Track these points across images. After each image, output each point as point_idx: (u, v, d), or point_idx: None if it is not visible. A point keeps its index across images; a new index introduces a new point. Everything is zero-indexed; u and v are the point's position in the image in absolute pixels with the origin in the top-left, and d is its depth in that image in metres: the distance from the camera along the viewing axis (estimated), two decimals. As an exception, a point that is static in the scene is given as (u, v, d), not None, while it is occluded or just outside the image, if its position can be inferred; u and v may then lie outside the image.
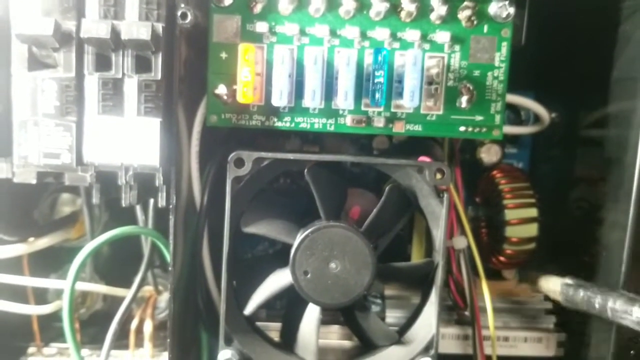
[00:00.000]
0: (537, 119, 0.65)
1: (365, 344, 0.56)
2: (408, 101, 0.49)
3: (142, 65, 0.48)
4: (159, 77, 0.48)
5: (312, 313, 0.54)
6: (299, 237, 0.52)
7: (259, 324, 0.59)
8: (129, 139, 0.49)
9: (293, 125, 0.53)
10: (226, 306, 0.52)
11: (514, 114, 0.67)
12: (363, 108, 0.52)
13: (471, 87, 0.52)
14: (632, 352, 0.53)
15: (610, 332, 0.54)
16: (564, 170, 0.66)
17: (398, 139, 0.64)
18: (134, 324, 0.61)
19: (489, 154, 0.64)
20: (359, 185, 0.61)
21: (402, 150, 0.63)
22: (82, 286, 0.60)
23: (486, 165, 0.65)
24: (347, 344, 0.59)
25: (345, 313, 0.56)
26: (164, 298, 0.66)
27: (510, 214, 0.62)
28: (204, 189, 0.55)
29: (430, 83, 0.52)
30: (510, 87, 0.59)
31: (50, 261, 0.65)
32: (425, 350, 0.53)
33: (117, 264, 0.68)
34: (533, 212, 0.62)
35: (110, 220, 0.64)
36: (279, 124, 0.53)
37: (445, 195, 0.52)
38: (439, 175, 0.52)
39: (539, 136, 0.70)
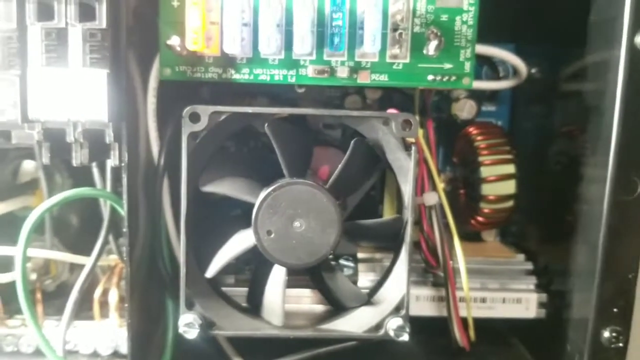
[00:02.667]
0: (515, 74, 0.63)
1: (334, 306, 0.54)
2: (370, 46, 0.46)
3: (86, 13, 0.46)
4: (104, 25, 0.45)
5: (277, 275, 0.52)
6: (261, 196, 0.50)
7: (227, 289, 0.57)
8: (76, 92, 0.46)
9: (252, 77, 0.50)
10: (186, 269, 0.50)
11: (492, 69, 0.65)
12: (325, 58, 0.50)
13: (439, 33, 0.49)
14: (614, 309, 0.51)
15: (591, 292, 0.52)
16: (544, 126, 0.64)
17: (372, 98, 0.61)
18: (97, 293, 0.59)
19: (464, 110, 0.61)
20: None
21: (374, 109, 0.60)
22: (37, 253, 0.57)
23: (462, 122, 0.62)
24: (319, 308, 0.57)
25: (313, 274, 0.54)
26: (132, 268, 0.64)
27: (486, 171, 0.59)
28: (161, 147, 0.52)
29: (395, 29, 0.49)
30: (489, 40, 0.57)
31: (13, 232, 0.62)
32: (396, 310, 0.51)
33: (84, 234, 0.65)
34: (510, 168, 0.59)
35: (74, 187, 0.62)
36: (236, 76, 0.50)
37: (414, 148, 0.49)
38: (406, 127, 0.49)
39: (519, 93, 0.67)
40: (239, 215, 0.53)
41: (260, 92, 0.61)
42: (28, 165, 0.65)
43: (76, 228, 0.66)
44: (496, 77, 0.64)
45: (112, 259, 0.62)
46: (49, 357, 0.52)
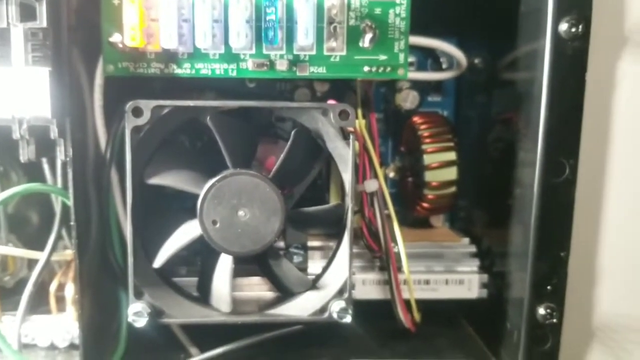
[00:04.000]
0: (457, 65, 0.65)
1: (282, 291, 0.56)
2: (303, 39, 0.48)
3: (27, 13, 0.47)
4: (45, 24, 0.47)
5: (224, 263, 0.53)
6: (206, 187, 0.51)
7: (179, 280, 0.58)
8: (19, 90, 0.48)
9: (194, 72, 0.51)
10: (134, 260, 0.52)
11: (434, 61, 0.67)
12: (265, 51, 0.51)
13: (373, 26, 0.51)
14: (548, 287, 0.53)
15: (526, 272, 0.54)
16: (485, 115, 0.66)
17: (321, 90, 0.62)
18: (53, 287, 0.60)
19: (407, 100, 0.63)
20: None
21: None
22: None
23: (406, 112, 0.64)
24: (268, 295, 0.59)
25: (260, 262, 0.55)
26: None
27: (429, 159, 0.61)
28: (108, 141, 0.53)
29: (331, 23, 0.51)
30: (434, 33, 0.59)
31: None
32: (339, 293, 0.53)
33: (42, 231, 0.66)
34: (452, 155, 0.62)
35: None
36: (178, 71, 0.51)
37: (352, 136, 0.51)
38: (344, 117, 0.51)
39: (463, 83, 0.69)
40: (185, 207, 0.55)
41: (210, 87, 0.62)
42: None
43: (34, 225, 0.67)
44: (439, 68, 0.66)
45: (68, 253, 0.63)
46: (4, 351, 0.53)
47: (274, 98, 0.64)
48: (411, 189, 0.66)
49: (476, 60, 0.66)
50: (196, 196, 0.52)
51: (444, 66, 0.66)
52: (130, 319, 0.51)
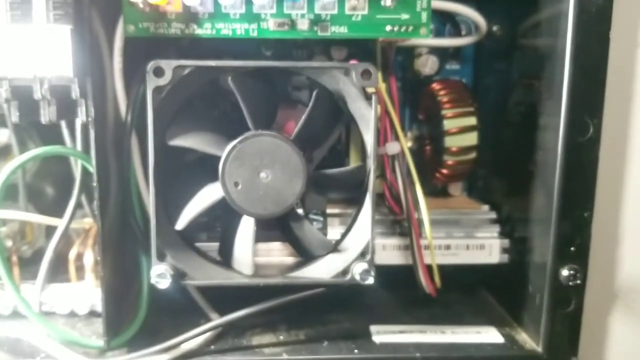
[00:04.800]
0: (476, 31, 0.64)
1: (303, 255, 0.56)
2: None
3: (48, -29, 0.47)
4: (66, -19, 0.46)
5: (246, 225, 0.53)
6: (227, 148, 0.51)
7: (200, 245, 0.58)
8: (41, 49, 0.47)
9: (214, 32, 0.51)
10: (157, 222, 0.51)
11: (454, 27, 0.66)
12: (286, 11, 0.51)
13: (396, -16, 0.51)
14: (572, 248, 0.53)
15: (549, 234, 0.54)
16: (504, 80, 0.65)
17: (338, 57, 0.62)
18: (72, 254, 0.60)
19: (426, 66, 0.63)
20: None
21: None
22: (11, 214, 0.58)
23: (424, 77, 0.64)
24: (289, 260, 0.59)
25: (281, 225, 0.55)
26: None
27: (449, 124, 0.61)
28: (129, 103, 0.53)
29: (353, -20, 0.50)
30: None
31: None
32: (361, 255, 0.53)
33: (60, 200, 0.66)
34: (472, 120, 0.61)
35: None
36: (199, 31, 0.51)
37: (374, 97, 0.51)
38: (366, 77, 0.51)
39: (481, 50, 0.69)
40: (206, 169, 0.54)
41: (227, 53, 0.62)
42: (3, 134, 0.65)
43: (51, 194, 0.67)
44: (458, 34, 0.66)
45: (87, 222, 0.63)
46: (27, 314, 0.53)
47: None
48: (429, 157, 0.66)
49: (494, 27, 0.66)
50: (217, 158, 0.52)
51: (463, 32, 0.66)
52: (153, 281, 0.51)
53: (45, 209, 0.64)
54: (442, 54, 0.66)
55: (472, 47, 0.68)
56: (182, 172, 0.55)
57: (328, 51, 0.62)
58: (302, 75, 0.60)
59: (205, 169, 0.56)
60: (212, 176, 0.53)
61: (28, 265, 0.64)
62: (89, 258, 0.61)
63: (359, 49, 0.60)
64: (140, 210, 0.56)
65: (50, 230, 0.66)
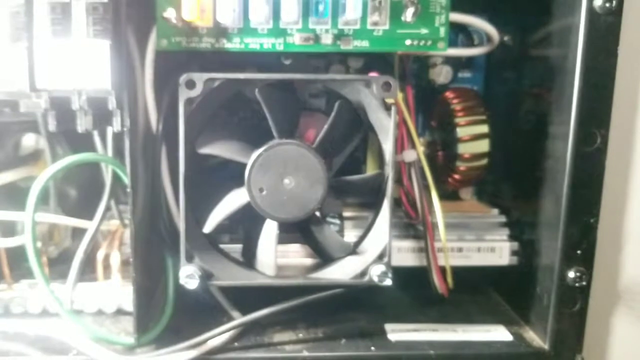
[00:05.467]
0: (488, 41, 0.67)
1: (322, 257, 0.58)
2: (352, 12, 0.50)
3: (88, -12, 0.49)
4: (105, -1, 0.49)
5: (269, 229, 0.56)
6: (253, 156, 0.54)
7: (222, 247, 0.60)
8: (80, 62, 0.50)
9: (243, 46, 0.54)
10: (185, 224, 0.54)
11: (466, 37, 0.69)
12: (311, 26, 0.54)
13: (415, 0, 0.53)
14: (578, 252, 0.56)
15: (557, 238, 0.56)
16: (515, 90, 0.68)
17: (355, 66, 0.65)
18: (100, 254, 0.63)
19: (440, 75, 0.66)
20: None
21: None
22: (44, 217, 0.61)
23: (439, 86, 0.67)
24: (307, 261, 0.61)
25: (302, 228, 0.58)
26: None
27: (461, 131, 0.64)
28: (159, 114, 0.56)
29: (375, -2, 0.53)
30: (464, 9, 0.61)
31: (14, 200, 0.65)
32: (379, 258, 0.55)
33: (82, 202, 0.69)
34: (484, 128, 0.64)
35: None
36: (228, 45, 0.54)
37: (393, 107, 0.53)
38: (386, 89, 0.53)
39: (492, 59, 0.72)
40: (232, 175, 0.57)
41: (248, 63, 0.64)
42: (28, 139, 0.68)
43: (74, 197, 0.70)
44: (470, 44, 0.68)
45: (113, 224, 0.65)
46: (60, 312, 0.55)
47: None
48: (442, 162, 0.68)
49: (505, 38, 0.68)
50: (242, 165, 0.55)
51: (475, 42, 0.68)
52: (182, 281, 0.54)
53: (69, 209, 0.67)
54: (455, 63, 0.68)
55: (484, 56, 0.71)
56: (208, 178, 0.58)
57: (345, 61, 0.65)
58: (319, 83, 0.63)
59: (226, 173, 0.59)
60: (233, 180, 0.56)
61: (54, 265, 0.66)
62: (116, 258, 0.63)
63: (375, 58, 0.63)
64: (165, 214, 0.58)
65: (75, 231, 0.69)
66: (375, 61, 0.63)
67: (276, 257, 0.56)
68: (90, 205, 0.64)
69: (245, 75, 0.53)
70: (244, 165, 0.54)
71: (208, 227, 0.55)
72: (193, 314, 0.61)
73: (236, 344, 0.58)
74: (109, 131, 0.59)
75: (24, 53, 0.50)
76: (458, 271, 0.64)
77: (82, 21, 0.49)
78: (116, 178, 0.59)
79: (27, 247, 0.53)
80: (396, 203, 0.62)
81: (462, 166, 0.64)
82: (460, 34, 0.69)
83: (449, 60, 0.67)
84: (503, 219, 0.66)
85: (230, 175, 0.59)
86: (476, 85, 0.72)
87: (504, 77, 0.71)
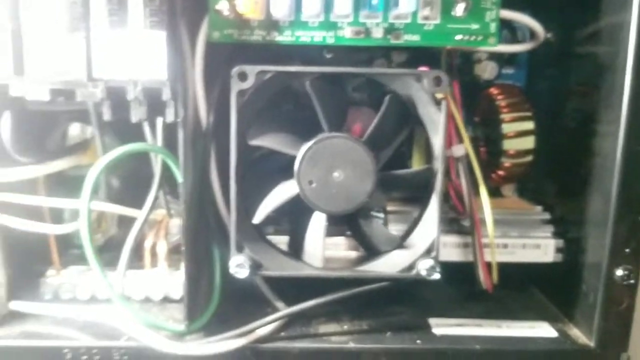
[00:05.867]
0: (532, 38, 0.67)
1: (368, 250, 0.59)
2: (405, 5, 0.51)
3: (145, -19, 0.50)
4: (162, -9, 0.50)
5: (317, 221, 0.56)
6: (303, 148, 0.54)
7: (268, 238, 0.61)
8: (136, 53, 0.51)
9: (294, 38, 0.54)
10: (236, 215, 0.55)
11: (511, 33, 0.68)
12: (361, 20, 0.54)
13: (467, -4, 0.54)
14: (627, 250, 0.56)
15: (605, 236, 0.56)
16: (559, 87, 0.68)
17: (398, 60, 0.65)
18: (148, 243, 0.64)
19: (485, 71, 0.66)
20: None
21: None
22: (97, 206, 0.62)
23: (484, 82, 0.67)
24: (352, 254, 0.62)
25: (350, 221, 0.58)
26: (175, 224, 0.68)
27: (507, 128, 0.64)
28: (210, 105, 0.56)
29: (427, -8, 0.53)
30: (506, 5, 0.61)
31: (62, 189, 0.67)
32: (427, 252, 0.56)
33: (126, 192, 0.70)
34: (529, 125, 0.64)
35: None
36: (279, 38, 0.54)
37: (443, 102, 0.53)
38: (437, 84, 0.54)
39: (535, 56, 0.71)
40: (276, 167, 0.58)
41: (292, 57, 0.65)
42: (75, 129, 0.69)
43: (117, 186, 0.71)
44: (515, 40, 0.68)
45: (160, 213, 0.66)
46: (114, 299, 0.56)
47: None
48: (484, 158, 0.68)
49: (549, 34, 0.68)
50: (291, 157, 0.55)
51: (519, 39, 0.68)
52: (232, 271, 0.55)
53: (112, 199, 0.68)
54: (499, 59, 0.68)
55: (526, 52, 0.70)
56: (256, 170, 0.58)
57: (388, 54, 0.65)
58: (362, 77, 0.63)
59: (268, 165, 0.60)
60: (278, 172, 0.56)
61: (100, 253, 0.67)
62: (162, 247, 0.64)
63: (419, 52, 0.63)
64: (212, 205, 0.59)
65: (122, 219, 0.70)
66: (419, 55, 0.63)
67: (324, 249, 0.56)
68: (131, 194, 0.65)
69: (296, 68, 0.54)
70: (289, 157, 0.55)
71: (258, 218, 0.56)
72: (237, 303, 0.62)
73: (283, 333, 0.58)
74: (159, 122, 0.59)
75: (81, 43, 0.51)
76: (500, 267, 0.64)
77: (139, 12, 0.50)
78: (165, 168, 0.60)
79: (82, 235, 0.54)
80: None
81: (506, 162, 0.64)
82: (504, 29, 0.69)
83: (493, 56, 0.67)
84: (547, 216, 0.66)
85: (273, 167, 0.59)
86: (518, 81, 0.72)
87: (547, 74, 0.71)
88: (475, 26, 0.54)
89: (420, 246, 0.56)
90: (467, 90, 0.70)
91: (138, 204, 0.62)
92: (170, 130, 0.56)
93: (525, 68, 0.72)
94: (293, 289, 0.59)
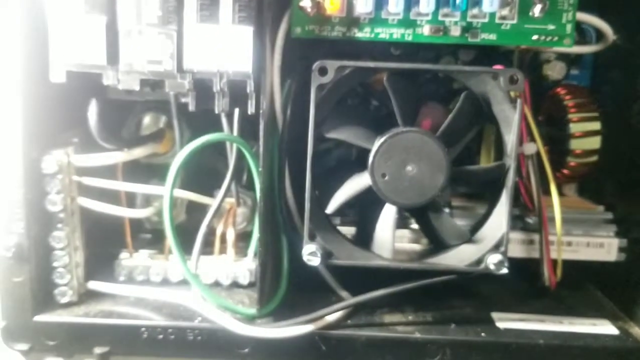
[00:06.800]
0: (599, 39, 0.67)
1: (437, 244, 0.60)
2: (488, 5, 0.52)
3: (234, -22, 0.52)
4: (251, -13, 0.52)
5: (388, 213, 0.58)
6: (378, 142, 0.56)
7: (335, 228, 0.63)
8: (224, 46, 0.53)
9: (373, 35, 0.56)
10: (310, 204, 0.57)
11: (579, 34, 0.69)
12: (440, 18, 0.55)
13: (544, -3, 0.55)
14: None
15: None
16: (623, 89, 0.68)
17: (465, 59, 0.66)
18: (219, 230, 0.66)
19: (554, 71, 0.66)
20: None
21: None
22: (180, 193, 0.64)
23: (552, 82, 0.67)
24: (416, 246, 0.63)
25: (419, 214, 0.60)
26: (241, 212, 0.70)
27: (574, 127, 0.65)
28: (287, 99, 0.59)
29: (506, -8, 0.54)
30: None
31: (138, 176, 0.69)
32: (496, 247, 0.57)
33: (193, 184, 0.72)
34: (596, 125, 0.65)
35: (192, 137, 0.68)
36: (359, 35, 0.56)
37: (519, 100, 0.55)
38: (512, 82, 0.55)
39: (601, 58, 0.72)
40: (352, 159, 0.59)
41: (361, 53, 0.66)
42: (149, 119, 0.71)
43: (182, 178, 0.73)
44: (583, 41, 0.69)
45: (228, 201, 0.68)
46: (191, 281, 0.59)
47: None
48: (548, 157, 0.69)
49: (615, 37, 0.68)
50: (364, 150, 0.57)
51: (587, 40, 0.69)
52: (305, 259, 0.57)
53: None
54: (566, 59, 0.69)
55: (591, 54, 0.71)
56: (329, 162, 0.60)
57: (455, 52, 0.66)
58: (429, 73, 0.65)
59: (332, 158, 0.62)
60: (358, 166, 0.58)
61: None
62: (231, 235, 0.67)
63: (486, 51, 0.64)
64: (283, 195, 0.61)
65: (190, 206, 0.72)
66: (486, 54, 0.65)
67: (394, 240, 0.58)
68: (195, 181, 0.67)
69: (375, 63, 0.55)
70: (365, 150, 0.57)
71: (331, 208, 0.58)
72: (301, 291, 0.64)
73: (349, 321, 0.60)
74: (236, 112, 0.61)
75: (172, 36, 0.53)
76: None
77: (229, 8, 0.52)
78: (240, 158, 0.62)
79: (164, 219, 0.57)
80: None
81: (572, 162, 0.65)
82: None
83: (561, 57, 0.67)
84: (609, 215, 0.67)
85: (339, 159, 0.61)
86: (583, 82, 0.73)
87: (611, 76, 0.72)
88: (551, 27, 0.55)
89: (489, 241, 0.57)
90: (533, 89, 0.71)
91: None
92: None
93: (590, 69, 0.72)
94: (354, 278, 0.61)
